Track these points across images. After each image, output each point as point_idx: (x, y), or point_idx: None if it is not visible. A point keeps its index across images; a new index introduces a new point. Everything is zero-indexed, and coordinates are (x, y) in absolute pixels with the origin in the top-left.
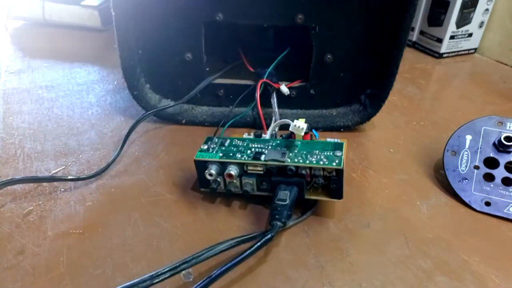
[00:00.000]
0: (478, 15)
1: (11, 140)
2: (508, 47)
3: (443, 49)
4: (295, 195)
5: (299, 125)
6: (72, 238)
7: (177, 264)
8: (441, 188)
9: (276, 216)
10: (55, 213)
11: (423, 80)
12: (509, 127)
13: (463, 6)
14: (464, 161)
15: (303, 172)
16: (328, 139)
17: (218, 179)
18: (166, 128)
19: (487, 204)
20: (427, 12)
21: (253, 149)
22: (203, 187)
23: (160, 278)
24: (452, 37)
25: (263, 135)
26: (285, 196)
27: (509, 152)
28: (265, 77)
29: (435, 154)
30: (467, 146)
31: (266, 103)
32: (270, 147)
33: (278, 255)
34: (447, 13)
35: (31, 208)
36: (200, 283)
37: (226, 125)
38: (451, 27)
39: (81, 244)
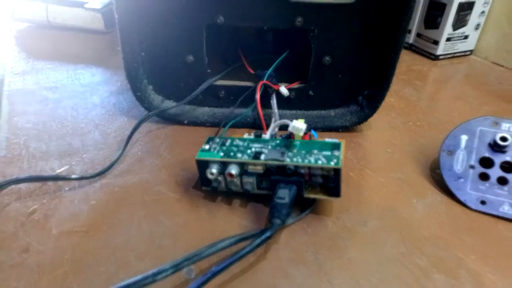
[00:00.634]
0: (474, 18)
1: (16, 140)
2: (503, 48)
3: (439, 51)
4: (294, 194)
5: (298, 125)
6: (76, 237)
7: (179, 261)
8: (437, 187)
9: (275, 214)
10: (60, 211)
11: (419, 81)
12: (504, 127)
13: (460, 9)
14: (460, 160)
15: (302, 171)
16: (327, 140)
17: (219, 178)
18: (169, 128)
19: (483, 203)
20: (423, 15)
21: (253, 149)
22: (204, 186)
23: (163, 275)
24: (448, 39)
25: (263, 135)
26: (284, 194)
27: (504, 152)
28: (265, 78)
29: (431, 154)
30: (463, 146)
31: (266, 104)
32: (269, 147)
33: (278, 252)
34: (443, 16)
35: (36, 206)
36: (199, 280)
37: (227, 126)
38: (448, 29)
39: (85, 242)
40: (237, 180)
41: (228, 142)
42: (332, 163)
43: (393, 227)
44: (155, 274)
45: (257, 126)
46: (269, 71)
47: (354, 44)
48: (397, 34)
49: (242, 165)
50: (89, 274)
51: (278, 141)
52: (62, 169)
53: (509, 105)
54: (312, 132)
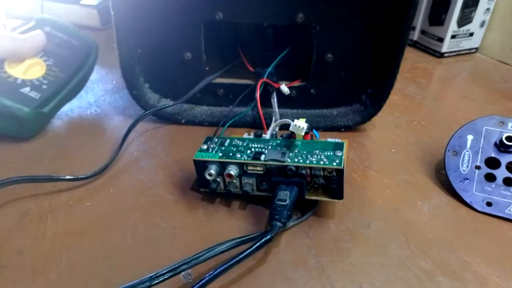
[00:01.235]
0: (479, 15)
1: (9, 139)
2: (509, 46)
3: (444, 49)
4: (295, 196)
5: (300, 124)
6: (71, 238)
7: (177, 265)
8: (442, 188)
9: (276, 217)
10: (54, 213)
11: (424, 79)
12: (511, 127)
13: (464, 5)
14: (466, 161)
15: (303, 172)
16: (329, 139)
17: (218, 179)
18: (166, 127)
19: (489, 204)
20: (428, 12)
21: (253, 149)
22: (202, 187)
23: (160, 279)
24: (453, 37)
25: (263, 135)
26: (285, 196)
27: (510, 152)
28: (265, 76)
29: (436, 154)
30: (468, 146)
31: (266, 102)
32: (270, 147)
33: (279, 255)
34: (448, 13)
35: (30, 208)
36: (197, 284)
37: (226, 125)
38: (452, 27)
39: (80, 244)
40: (236, 181)
41: (227, 142)
42: (334, 164)
43: (397, 229)
44: (151, 278)
45: (257, 125)
46: (269, 69)
47: (356, 41)
48: (401, 31)
49: (241, 166)
50: (83, 277)
51: (278, 141)
52: (57, 169)
53: None
54: (314, 132)
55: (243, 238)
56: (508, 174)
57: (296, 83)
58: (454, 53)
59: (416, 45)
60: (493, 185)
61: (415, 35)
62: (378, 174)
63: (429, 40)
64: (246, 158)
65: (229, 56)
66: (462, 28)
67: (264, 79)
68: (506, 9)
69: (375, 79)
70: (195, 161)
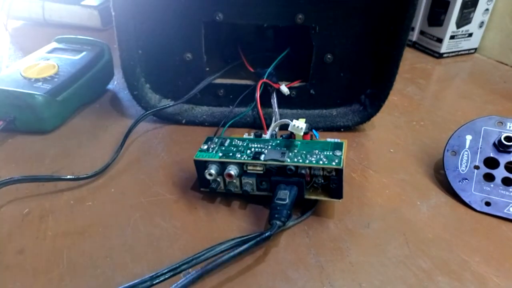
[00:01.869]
0: (478, 15)
1: (9, 139)
2: (508, 47)
3: (443, 49)
4: (295, 195)
5: (298, 125)
6: (72, 238)
7: (177, 265)
8: (441, 188)
9: (276, 216)
10: (55, 213)
11: (423, 80)
12: (509, 127)
13: (463, 6)
14: (464, 161)
15: (303, 171)
16: (328, 139)
17: (218, 179)
18: (166, 128)
19: (487, 204)
20: (427, 12)
21: (252, 149)
22: (203, 187)
23: (160, 279)
24: (452, 37)
25: (263, 135)
26: (284, 195)
27: (509, 152)
28: (265, 77)
29: (435, 154)
30: (467, 146)
31: (266, 103)
32: (269, 147)
33: (278, 255)
34: (447, 13)
35: (31, 207)
36: (191, 275)
37: (226, 125)
38: (451, 27)
39: (81, 244)
40: (236, 181)
41: (227, 142)
42: (334, 164)
43: (397, 228)
44: (152, 278)
45: (257, 125)
46: (269, 70)
47: (356, 41)
48: (400, 32)
49: (241, 166)
50: (85, 276)
51: (278, 141)
52: (58, 169)
53: None
54: (314, 132)
55: (243, 238)
56: (506, 174)
57: (295, 84)
58: (453, 54)
59: (415, 45)
60: (492, 185)
61: (414, 36)
62: (378, 174)
63: (428, 41)
64: (246, 158)
65: (229, 56)
66: (461, 29)
67: (264, 79)
68: (505, 10)
69: (375, 79)
70: (196, 161)
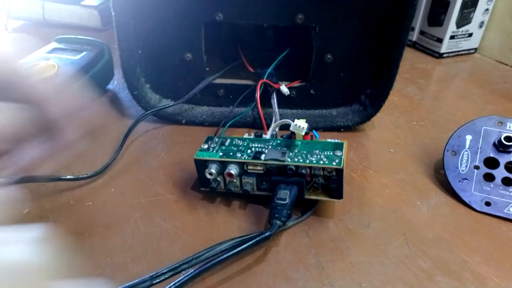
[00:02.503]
0: (478, 15)
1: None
2: (508, 47)
3: (443, 49)
4: (295, 195)
5: (300, 124)
6: (71, 238)
7: (177, 265)
8: (441, 188)
9: (276, 215)
10: (55, 213)
11: (423, 80)
12: (509, 127)
13: (463, 6)
14: (464, 161)
15: (303, 171)
16: (329, 140)
17: (218, 178)
18: (166, 128)
19: (487, 204)
20: (427, 12)
21: (253, 149)
22: (203, 186)
23: (160, 279)
24: (452, 37)
25: (264, 135)
26: (285, 195)
27: (509, 152)
28: (265, 77)
29: (435, 154)
30: (467, 146)
31: (266, 103)
32: (270, 146)
33: (278, 255)
34: (447, 13)
35: (31, 208)
36: (190, 273)
37: (227, 125)
38: (451, 27)
39: (81, 244)
40: (236, 181)
41: (227, 142)
42: (334, 163)
43: (397, 228)
44: (152, 278)
45: (257, 125)
46: (269, 70)
47: (356, 41)
48: (400, 32)
49: (242, 165)
50: (85, 276)
51: (279, 141)
52: (58, 169)
53: None
54: (314, 133)
55: (243, 238)
56: (506, 174)
57: (295, 84)
58: (453, 54)
59: (415, 45)
60: (491, 185)
61: (414, 36)
62: (378, 174)
63: (428, 41)
64: (246, 158)
65: (229, 56)
66: (461, 29)
67: (264, 79)
68: (505, 10)
69: (375, 79)
70: (196, 160)
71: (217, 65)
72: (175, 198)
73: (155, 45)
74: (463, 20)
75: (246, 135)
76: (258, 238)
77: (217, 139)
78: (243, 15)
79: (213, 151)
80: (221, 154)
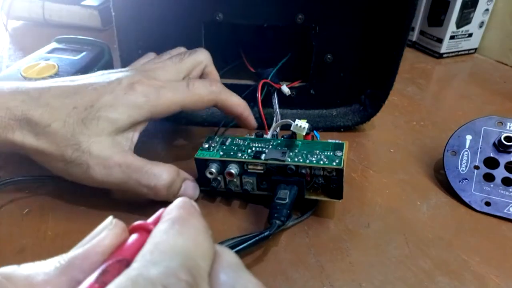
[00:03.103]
0: (478, 15)
1: None
2: (508, 47)
3: (443, 49)
4: (295, 195)
5: (301, 124)
6: (72, 238)
7: None
8: (441, 188)
9: (275, 215)
10: (55, 212)
11: (423, 80)
12: (509, 127)
13: (463, 6)
14: (464, 161)
15: (303, 171)
16: (329, 140)
17: (218, 178)
18: (166, 128)
19: (487, 204)
20: (427, 12)
21: (253, 148)
22: (203, 186)
23: None
24: (452, 37)
25: (265, 135)
26: (284, 195)
27: (509, 152)
28: (269, 78)
29: (435, 154)
30: (467, 146)
31: (266, 103)
32: (270, 146)
33: (278, 255)
34: (447, 13)
35: (31, 207)
36: None
37: (229, 126)
38: (451, 27)
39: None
40: (236, 180)
41: (228, 141)
42: (334, 164)
43: (397, 229)
44: None
45: (258, 125)
46: (272, 73)
47: (356, 41)
48: (400, 32)
49: (242, 165)
50: None
51: (279, 141)
52: None
53: None
54: (315, 133)
55: (243, 237)
56: (506, 174)
57: (296, 84)
58: (453, 54)
59: (415, 45)
60: (491, 185)
61: (414, 36)
62: (378, 174)
63: (428, 41)
64: (246, 157)
65: (229, 56)
66: (461, 29)
67: (266, 79)
68: (505, 10)
69: (375, 79)
70: (196, 159)
71: (217, 65)
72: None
73: (155, 45)
74: (463, 20)
75: (247, 135)
76: (257, 238)
77: (217, 139)
78: (243, 15)
79: (213, 150)
80: (221, 153)
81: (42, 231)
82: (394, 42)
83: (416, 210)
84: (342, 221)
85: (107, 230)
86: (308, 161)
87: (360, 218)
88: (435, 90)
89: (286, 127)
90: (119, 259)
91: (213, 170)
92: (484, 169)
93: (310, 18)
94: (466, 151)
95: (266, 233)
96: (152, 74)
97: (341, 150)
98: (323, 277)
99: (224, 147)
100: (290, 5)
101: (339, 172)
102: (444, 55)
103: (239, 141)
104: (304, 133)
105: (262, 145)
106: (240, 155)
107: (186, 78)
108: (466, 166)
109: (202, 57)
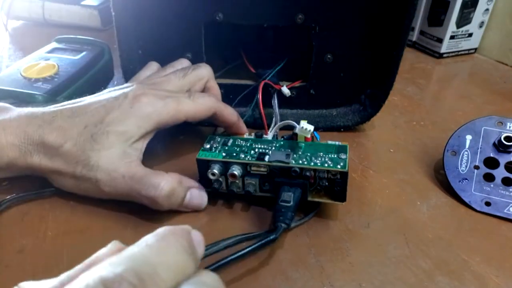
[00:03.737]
0: (478, 15)
1: None
2: (508, 47)
3: (443, 49)
4: (299, 197)
5: (306, 127)
6: (72, 238)
7: None
8: (441, 188)
9: (280, 218)
10: (56, 213)
11: (423, 80)
12: (509, 127)
13: (463, 6)
14: (464, 161)
15: (307, 174)
16: (329, 142)
17: (220, 179)
18: (166, 128)
19: (487, 204)
20: (427, 12)
21: (256, 149)
22: (204, 187)
23: None
24: (452, 37)
25: (264, 136)
26: (289, 197)
27: (509, 152)
28: (268, 79)
29: (435, 154)
30: (467, 146)
31: (266, 103)
32: (273, 148)
33: (279, 255)
34: (447, 13)
35: (31, 207)
36: None
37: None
38: (451, 27)
39: (81, 244)
40: (239, 182)
41: (230, 142)
42: (339, 166)
43: (397, 229)
44: None
45: (257, 125)
46: (271, 74)
47: (356, 41)
48: (400, 32)
49: (245, 166)
50: None
51: (282, 142)
52: None
53: None
54: (315, 133)
55: (248, 235)
56: (506, 174)
57: (296, 84)
58: (453, 54)
59: (415, 45)
60: (492, 185)
61: (414, 36)
62: (378, 174)
63: (428, 41)
64: (250, 159)
65: (229, 56)
66: (461, 29)
67: (266, 80)
68: (505, 10)
69: (375, 79)
70: (198, 160)
71: (217, 65)
72: None
73: (155, 46)
74: (463, 20)
75: (246, 135)
76: (263, 241)
77: (219, 139)
78: (243, 15)
79: (215, 151)
80: (224, 154)
81: (42, 231)
82: (394, 42)
83: (416, 210)
84: (342, 221)
85: (105, 250)
86: (312, 163)
87: (360, 218)
88: (435, 90)
89: (285, 127)
90: None
91: (216, 171)
92: (484, 169)
93: (310, 18)
94: (466, 151)
95: (272, 237)
96: (157, 87)
97: (345, 152)
98: (323, 277)
99: (226, 147)
100: (290, 5)
101: (344, 175)
102: (444, 55)
103: (241, 142)
104: (309, 136)
105: (265, 146)
106: (243, 156)
107: (189, 91)
108: (466, 166)
109: (205, 73)
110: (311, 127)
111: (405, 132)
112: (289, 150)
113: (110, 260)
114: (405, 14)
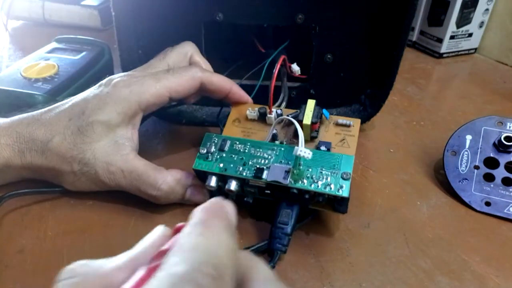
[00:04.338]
0: (478, 15)
1: None
2: (508, 47)
3: (443, 49)
4: (297, 214)
5: (304, 151)
6: (72, 238)
7: None
8: (441, 188)
9: (278, 245)
10: (55, 212)
11: (423, 80)
12: (509, 127)
13: (463, 6)
14: (464, 161)
15: (306, 196)
16: (339, 120)
17: (220, 184)
18: (166, 127)
19: (487, 204)
20: (427, 12)
21: (254, 160)
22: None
23: None
24: (452, 37)
25: (268, 115)
26: (287, 217)
27: (509, 152)
28: (282, 54)
29: (435, 154)
30: (467, 146)
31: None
32: (273, 158)
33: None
34: (447, 13)
35: (31, 207)
36: None
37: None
38: (451, 27)
39: (81, 243)
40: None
41: (227, 146)
42: (340, 192)
43: (397, 229)
44: None
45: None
46: (275, 53)
47: (356, 41)
48: (400, 32)
49: (242, 180)
50: None
51: (282, 148)
52: None
53: None
54: (324, 112)
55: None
56: (506, 174)
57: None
58: (453, 54)
59: (415, 45)
60: (492, 185)
61: (414, 36)
62: (377, 174)
63: (428, 41)
64: (247, 174)
65: (229, 56)
66: (461, 29)
67: (284, 55)
68: (505, 10)
69: (375, 79)
70: (195, 170)
71: (217, 65)
72: None
73: (155, 45)
74: (463, 20)
75: (249, 110)
76: None
77: (216, 140)
78: (243, 15)
79: (212, 159)
80: (221, 165)
81: (42, 231)
82: (394, 42)
83: (416, 210)
84: (342, 221)
85: (157, 234)
86: (312, 186)
87: (360, 218)
88: (435, 90)
89: (288, 124)
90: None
91: (213, 184)
92: (484, 169)
93: (310, 18)
94: (466, 151)
95: (270, 264)
96: (136, 72)
97: (349, 169)
98: (323, 277)
99: (224, 154)
100: (290, 5)
101: (345, 199)
102: (444, 55)
103: (239, 146)
104: (309, 158)
105: (264, 155)
106: (241, 169)
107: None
108: (466, 166)
109: (187, 48)
110: (309, 153)
111: (405, 132)
112: (289, 164)
113: (175, 254)
114: (405, 14)
